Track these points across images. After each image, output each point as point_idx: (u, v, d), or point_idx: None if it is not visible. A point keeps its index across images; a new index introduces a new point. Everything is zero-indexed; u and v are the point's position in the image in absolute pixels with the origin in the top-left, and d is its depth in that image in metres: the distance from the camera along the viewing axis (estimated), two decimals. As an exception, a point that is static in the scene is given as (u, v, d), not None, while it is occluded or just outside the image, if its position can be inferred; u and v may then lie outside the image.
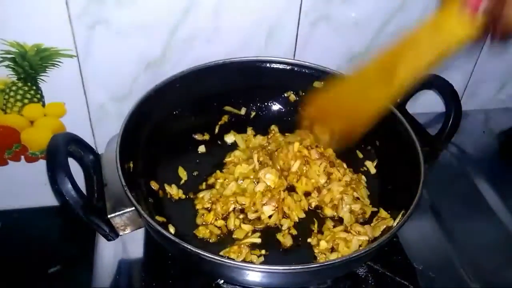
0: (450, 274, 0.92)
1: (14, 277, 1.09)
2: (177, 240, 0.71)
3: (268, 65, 1.03)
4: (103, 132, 1.10)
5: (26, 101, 1.02)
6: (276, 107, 1.10)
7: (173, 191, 0.94)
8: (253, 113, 1.10)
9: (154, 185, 0.93)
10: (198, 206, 0.92)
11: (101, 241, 0.87)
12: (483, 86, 1.27)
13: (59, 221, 1.20)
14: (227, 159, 1.01)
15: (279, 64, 1.03)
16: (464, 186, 1.11)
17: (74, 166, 0.87)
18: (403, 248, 0.92)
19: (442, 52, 0.74)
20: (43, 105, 1.04)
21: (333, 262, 0.72)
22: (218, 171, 0.98)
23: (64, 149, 0.74)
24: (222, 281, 0.84)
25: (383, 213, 0.90)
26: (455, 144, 1.16)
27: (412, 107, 1.05)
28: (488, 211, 1.04)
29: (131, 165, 0.87)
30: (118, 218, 0.77)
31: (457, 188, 1.11)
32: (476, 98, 1.29)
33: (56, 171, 0.71)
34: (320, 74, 1.03)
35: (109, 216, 0.77)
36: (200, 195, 0.94)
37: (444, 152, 1.16)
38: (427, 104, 1.17)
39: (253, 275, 0.75)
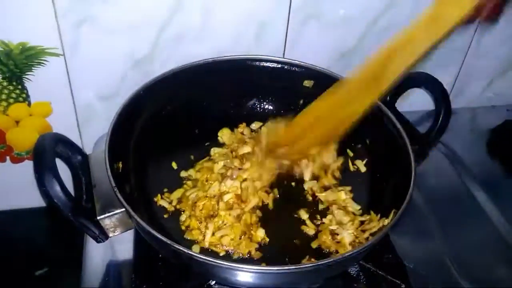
0: (441, 272, 0.92)
1: (0, 280, 1.08)
2: (168, 241, 0.70)
3: (257, 63, 1.03)
4: (91, 132, 1.09)
5: (11, 100, 1.01)
6: (266, 105, 1.09)
7: (165, 204, 0.93)
8: (244, 112, 1.09)
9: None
10: (182, 206, 0.92)
11: (90, 243, 0.86)
12: (471, 84, 1.28)
13: (46, 222, 1.18)
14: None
15: (268, 63, 1.03)
16: (453, 184, 1.11)
17: (62, 167, 0.86)
18: (394, 247, 0.92)
19: (437, 40, 0.75)
20: (29, 105, 1.02)
21: (326, 261, 0.72)
22: (192, 170, 0.98)
23: (51, 150, 0.73)
24: (213, 282, 0.83)
25: (373, 216, 0.90)
26: (443, 142, 1.16)
27: (402, 106, 1.05)
28: (477, 209, 1.05)
29: (120, 165, 0.85)
30: (107, 220, 0.76)
31: (446, 186, 1.11)
32: (464, 96, 1.29)
33: (44, 172, 0.70)
34: (310, 72, 1.03)
35: (98, 217, 0.75)
36: (187, 193, 0.93)
37: (432, 150, 1.16)
38: (417, 102, 1.17)
39: (245, 275, 0.74)
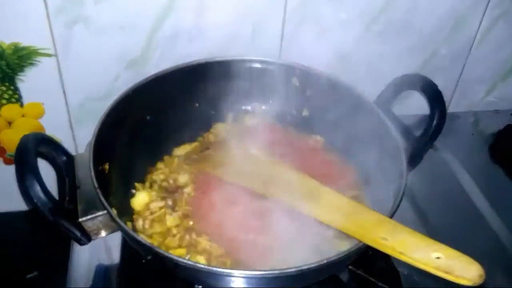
0: (436, 279, 0.89)
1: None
2: (148, 244, 0.68)
3: (252, 65, 1.01)
4: (84, 132, 1.08)
5: (3, 101, 1.00)
6: (261, 108, 1.08)
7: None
8: (235, 113, 1.07)
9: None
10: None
11: (77, 246, 0.85)
12: (473, 88, 1.26)
13: (39, 225, 1.17)
14: None
15: (263, 64, 1.01)
16: (453, 189, 1.09)
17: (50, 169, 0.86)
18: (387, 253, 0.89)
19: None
20: (21, 106, 1.02)
21: (317, 264, 0.69)
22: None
23: (33, 150, 0.72)
24: (200, 286, 0.81)
25: None
26: (443, 146, 1.14)
27: (400, 109, 1.03)
28: (476, 215, 1.02)
29: (107, 167, 0.84)
30: (90, 222, 0.74)
31: (445, 191, 1.09)
32: (466, 100, 1.27)
33: (24, 172, 0.69)
34: (306, 74, 1.01)
35: (80, 219, 0.74)
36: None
37: (433, 154, 1.14)
38: (417, 106, 1.15)
39: (230, 280, 0.72)
